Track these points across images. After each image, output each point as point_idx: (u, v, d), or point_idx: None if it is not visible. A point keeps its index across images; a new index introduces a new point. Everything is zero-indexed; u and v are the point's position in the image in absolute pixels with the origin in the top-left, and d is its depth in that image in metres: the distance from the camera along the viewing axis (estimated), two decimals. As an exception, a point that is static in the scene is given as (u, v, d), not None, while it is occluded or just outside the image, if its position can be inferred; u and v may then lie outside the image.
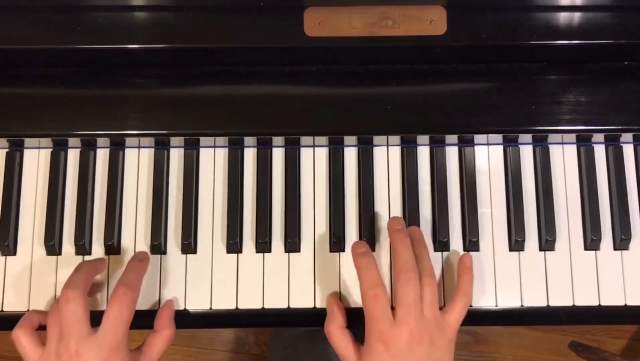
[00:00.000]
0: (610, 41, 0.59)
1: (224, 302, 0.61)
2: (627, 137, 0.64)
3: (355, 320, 0.59)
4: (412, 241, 0.60)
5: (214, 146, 0.64)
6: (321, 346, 0.84)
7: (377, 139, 0.63)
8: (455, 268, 0.62)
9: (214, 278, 0.62)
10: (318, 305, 0.61)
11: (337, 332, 0.57)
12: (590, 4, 0.58)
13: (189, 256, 0.62)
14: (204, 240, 0.63)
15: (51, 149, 0.64)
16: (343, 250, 0.62)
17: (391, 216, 0.63)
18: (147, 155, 0.64)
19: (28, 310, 0.61)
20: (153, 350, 0.57)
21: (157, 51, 0.59)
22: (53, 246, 0.62)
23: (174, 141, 0.63)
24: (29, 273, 0.62)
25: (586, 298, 0.62)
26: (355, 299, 0.61)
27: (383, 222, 0.63)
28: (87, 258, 0.62)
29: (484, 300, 0.62)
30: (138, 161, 0.64)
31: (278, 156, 0.64)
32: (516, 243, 0.62)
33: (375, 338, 0.54)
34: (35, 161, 0.64)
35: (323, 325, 0.59)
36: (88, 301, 0.55)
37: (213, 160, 0.64)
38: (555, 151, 0.64)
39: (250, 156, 0.64)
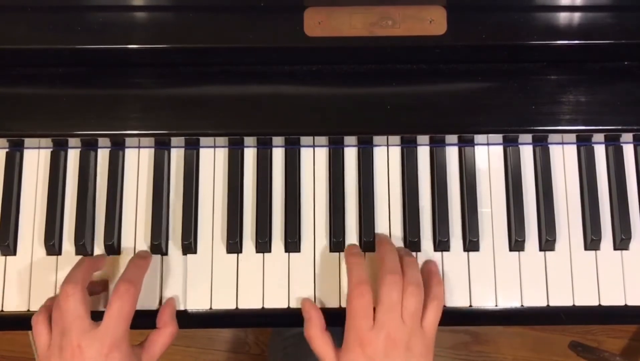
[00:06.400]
0: (610, 41, 0.59)
1: (224, 302, 0.61)
2: (627, 137, 0.64)
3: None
4: (400, 252, 0.60)
5: (214, 146, 0.64)
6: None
7: (377, 139, 0.63)
8: (456, 269, 0.62)
9: (214, 278, 0.62)
10: (318, 305, 0.61)
11: (317, 335, 0.57)
12: (590, 4, 0.58)
13: (189, 256, 0.62)
14: (204, 240, 0.63)
15: (51, 149, 0.64)
16: (343, 250, 0.62)
17: (392, 216, 0.63)
18: (147, 155, 0.64)
19: (28, 310, 0.61)
20: (155, 346, 0.57)
21: (157, 51, 0.59)
22: (53, 246, 0.62)
23: (174, 141, 0.63)
24: (29, 273, 0.62)
25: (586, 298, 0.62)
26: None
27: (383, 222, 0.63)
28: (87, 258, 0.62)
29: (484, 300, 0.62)
30: (138, 161, 0.64)
31: (278, 156, 0.64)
32: (516, 243, 0.62)
33: (352, 338, 0.54)
34: (35, 161, 0.64)
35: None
36: (88, 296, 0.55)
37: (213, 160, 0.64)
38: (555, 151, 0.64)
39: (250, 156, 0.64)
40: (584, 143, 0.64)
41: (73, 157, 0.64)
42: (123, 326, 0.54)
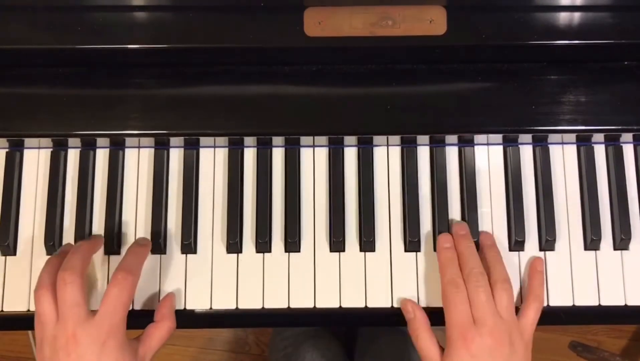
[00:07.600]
0: (610, 41, 0.59)
1: (224, 302, 0.61)
2: (627, 137, 0.64)
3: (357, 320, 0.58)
4: (484, 247, 0.61)
5: (214, 146, 0.64)
6: (321, 346, 0.84)
7: (377, 139, 0.63)
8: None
9: (214, 278, 0.62)
10: (318, 305, 0.61)
11: (424, 334, 0.57)
12: (590, 4, 0.58)
13: (189, 256, 0.62)
14: (204, 240, 0.63)
15: (51, 149, 0.64)
16: (343, 250, 0.62)
17: (392, 216, 0.63)
18: (147, 155, 0.64)
19: (28, 310, 0.61)
20: (152, 340, 0.57)
21: (157, 51, 0.59)
22: (53, 246, 0.62)
23: (174, 141, 0.63)
24: (29, 273, 0.62)
25: (586, 298, 0.62)
26: (360, 299, 0.61)
27: (383, 222, 0.63)
28: (87, 258, 0.62)
29: (484, 300, 0.62)
30: (138, 161, 0.64)
31: (278, 156, 0.64)
32: (516, 243, 0.62)
33: (456, 335, 0.54)
34: (35, 161, 0.64)
35: (323, 325, 0.59)
36: (86, 283, 0.54)
37: (213, 160, 0.64)
38: (555, 151, 0.64)
39: (250, 156, 0.64)
40: (584, 143, 0.64)
41: (73, 157, 0.64)
42: (120, 314, 0.53)
